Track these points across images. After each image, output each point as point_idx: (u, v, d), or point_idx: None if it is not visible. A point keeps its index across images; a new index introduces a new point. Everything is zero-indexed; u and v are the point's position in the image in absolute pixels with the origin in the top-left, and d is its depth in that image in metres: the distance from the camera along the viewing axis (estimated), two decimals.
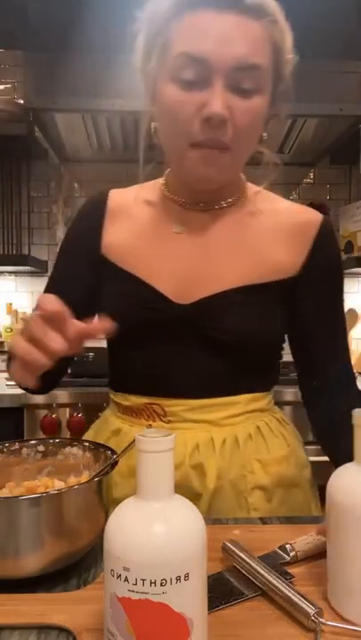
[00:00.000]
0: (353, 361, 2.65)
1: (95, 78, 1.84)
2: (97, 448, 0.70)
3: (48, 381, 0.86)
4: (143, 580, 0.40)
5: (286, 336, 0.84)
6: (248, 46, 0.64)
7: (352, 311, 2.34)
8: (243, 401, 0.79)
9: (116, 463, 0.63)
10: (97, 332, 0.57)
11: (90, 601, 0.53)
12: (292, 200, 2.64)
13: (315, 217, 0.79)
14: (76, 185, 2.38)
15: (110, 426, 0.84)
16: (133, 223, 0.80)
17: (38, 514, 0.55)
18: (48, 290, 0.84)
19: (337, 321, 0.82)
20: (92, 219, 0.82)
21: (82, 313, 0.62)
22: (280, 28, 0.67)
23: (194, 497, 0.77)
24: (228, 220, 0.77)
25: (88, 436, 0.91)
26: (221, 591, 0.54)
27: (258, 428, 0.81)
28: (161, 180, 0.81)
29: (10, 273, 2.38)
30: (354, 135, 2.07)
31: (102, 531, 0.62)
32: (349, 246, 2.33)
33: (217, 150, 0.67)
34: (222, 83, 0.64)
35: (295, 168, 2.45)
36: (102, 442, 0.79)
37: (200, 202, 0.77)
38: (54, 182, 2.38)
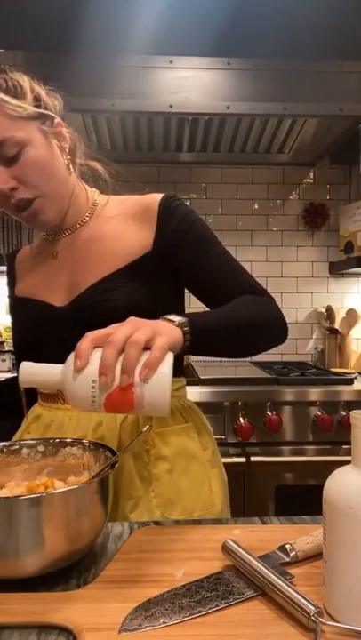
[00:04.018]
0: (353, 361, 2.63)
1: (95, 78, 1.84)
2: (97, 448, 0.71)
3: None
4: None
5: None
6: None
7: (352, 311, 2.35)
8: None
9: (116, 463, 0.64)
10: None
11: (90, 601, 0.53)
12: (292, 200, 2.62)
13: (154, 198, 0.93)
14: None
15: (33, 414, 0.97)
16: (30, 265, 1.02)
17: (38, 514, 0.55)
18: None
19: (219, 263, 0.91)
20: (9, 275, 1.06)
21: None
22: (4, 99, 0.82)
23: None
24: (87, 233, 0.95)
25: (19, 430, 0.99)
26: (221, 591, 0.54)
27: None
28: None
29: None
30: (354, 135, 2.07)
31: (102, 531, 0.62)
32: (349, 246, 2.33)
33: (29, 204, 0.85)
34: None
35: (295, 168, 2.44)
36: (24, 428, 0.96)
37: (60, 232, 0.96)
38: None
